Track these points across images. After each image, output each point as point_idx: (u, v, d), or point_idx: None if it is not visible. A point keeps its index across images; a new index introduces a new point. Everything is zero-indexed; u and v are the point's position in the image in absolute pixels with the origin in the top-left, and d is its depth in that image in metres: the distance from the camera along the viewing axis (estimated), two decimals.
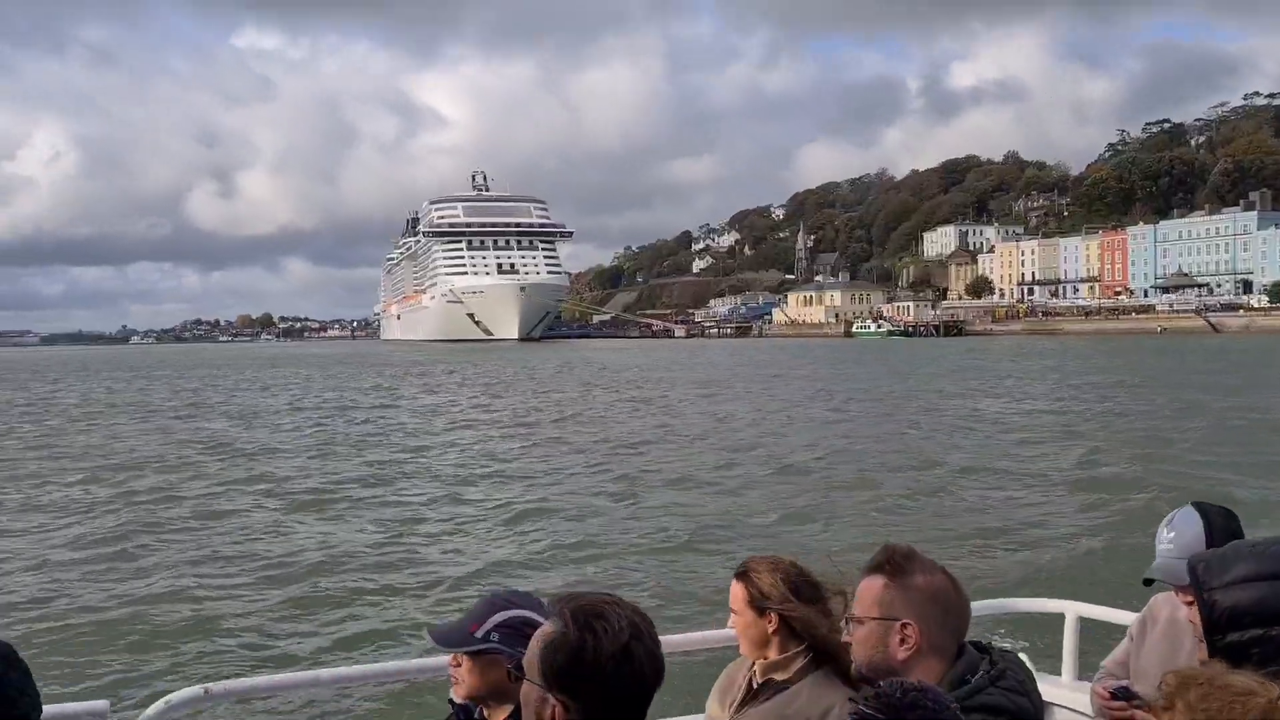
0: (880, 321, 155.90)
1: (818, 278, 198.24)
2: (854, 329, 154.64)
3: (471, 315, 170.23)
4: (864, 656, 2.18)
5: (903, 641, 2.12)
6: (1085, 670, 3.68)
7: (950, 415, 30.09)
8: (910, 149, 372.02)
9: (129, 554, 13.25)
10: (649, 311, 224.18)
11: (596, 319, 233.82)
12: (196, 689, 2.86)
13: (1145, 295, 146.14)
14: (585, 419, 32.11)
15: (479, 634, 2.29)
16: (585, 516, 15.40)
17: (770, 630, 2.56)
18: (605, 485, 18.31)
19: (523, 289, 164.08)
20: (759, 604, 2.58)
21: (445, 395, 47.11)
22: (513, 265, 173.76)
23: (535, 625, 1.96)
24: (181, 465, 22.52)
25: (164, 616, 10.22)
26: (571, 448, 24.19)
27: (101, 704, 2.89)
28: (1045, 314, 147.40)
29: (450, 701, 2.38)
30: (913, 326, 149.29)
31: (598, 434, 26.93)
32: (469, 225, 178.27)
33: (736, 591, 2.64)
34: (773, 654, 2.57)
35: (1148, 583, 2.78)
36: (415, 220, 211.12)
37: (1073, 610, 3.73)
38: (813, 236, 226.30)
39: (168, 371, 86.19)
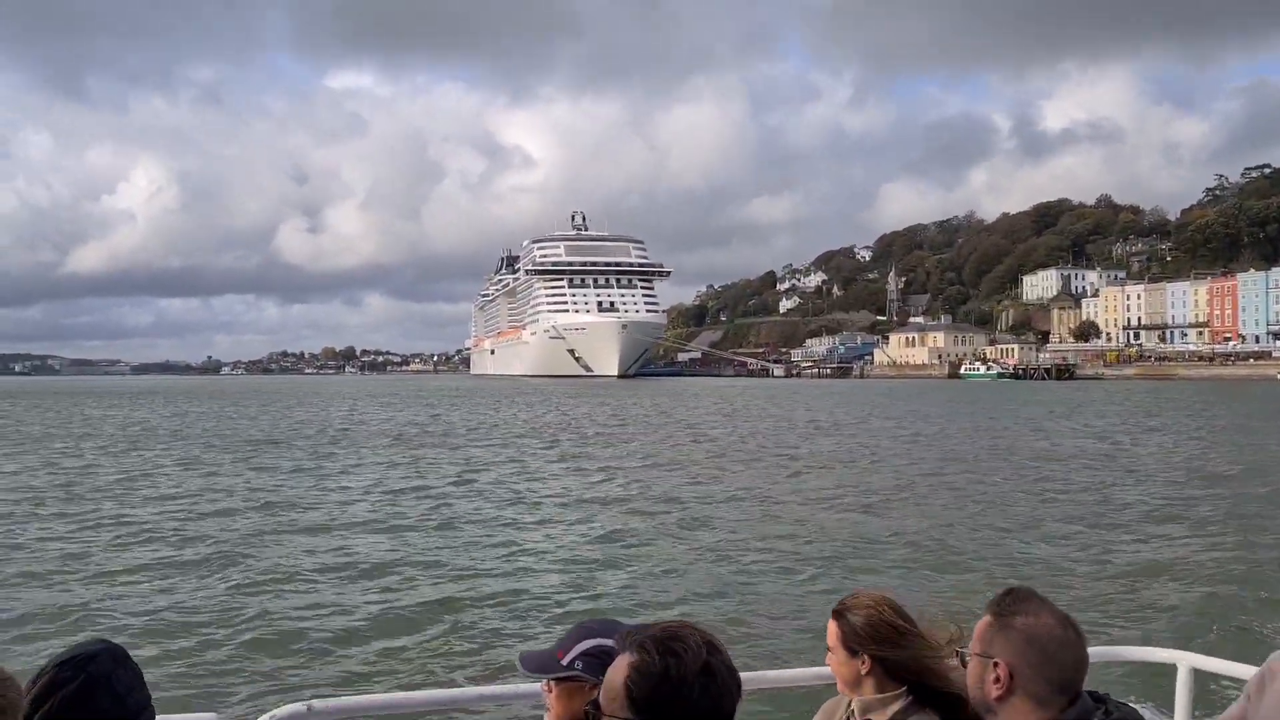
0: (989, 363, 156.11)
1: (913, 319, 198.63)
2: (962, 370, 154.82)
3: (572, 352, 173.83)
4: (971, 691, 2.23)
5: (996, 680, 2.13)
6: None
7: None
8: (996, 190, 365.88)
9: (239, 566, 13.74)
10: (739, 350, 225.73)
11: (684, 357, 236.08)
12: (300, 705, 2.91)
13: (1257, 341, 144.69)
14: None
15: (565, 661, 2.31)
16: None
17: (863, 671, 2.56)
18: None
19: (624, 327, 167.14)
20: (851, 644, 2.58)
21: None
22: (613, 304, 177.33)
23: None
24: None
25: (272, 631, 10.46)
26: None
27: (209, 716, 2.99)
28: (1158, 359, 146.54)
29: None
30: (1021, 369, 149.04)
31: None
32: (570, 264, 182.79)
33: (831, 629, 2.65)
34: (868, 693, 2.57)
35: None
36: (512, 258, 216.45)
37: (1186, 661, 3.49)
38: (903, 278, 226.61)
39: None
